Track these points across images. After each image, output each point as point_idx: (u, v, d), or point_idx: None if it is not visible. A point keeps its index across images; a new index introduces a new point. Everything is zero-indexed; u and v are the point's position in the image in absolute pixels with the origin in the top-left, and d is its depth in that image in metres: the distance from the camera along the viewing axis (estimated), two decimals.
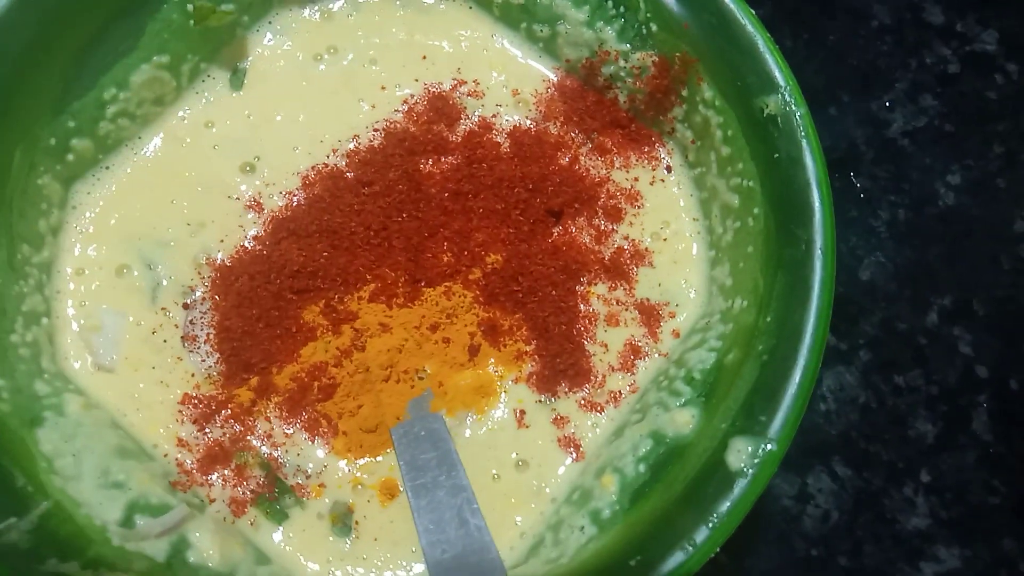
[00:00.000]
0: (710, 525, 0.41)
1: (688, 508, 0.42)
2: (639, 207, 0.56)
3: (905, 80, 0.74)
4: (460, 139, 0.56)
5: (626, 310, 0.53)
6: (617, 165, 0.57)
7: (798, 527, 0.60)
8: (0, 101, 0.48)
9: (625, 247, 0.55)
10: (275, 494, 0.48)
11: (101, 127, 0.53)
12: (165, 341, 0.51)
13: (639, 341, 0.53)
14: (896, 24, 0.76)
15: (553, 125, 0.58)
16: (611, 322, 0.53)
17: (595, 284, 0.54)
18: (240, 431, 0.49)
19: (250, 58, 0.58)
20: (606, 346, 0.53)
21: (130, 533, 0.42)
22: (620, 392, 0.51)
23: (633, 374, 0.52)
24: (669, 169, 0.56)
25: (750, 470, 0.42)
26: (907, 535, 0.60)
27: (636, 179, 0.57)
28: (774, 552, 0.60)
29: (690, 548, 0.40)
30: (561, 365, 0.51)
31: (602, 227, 0.55)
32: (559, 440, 0.50)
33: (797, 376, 0.43)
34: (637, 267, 0.54)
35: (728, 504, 0.41)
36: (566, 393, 0.51)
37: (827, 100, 0.73)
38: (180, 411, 0.49)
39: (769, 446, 0.42)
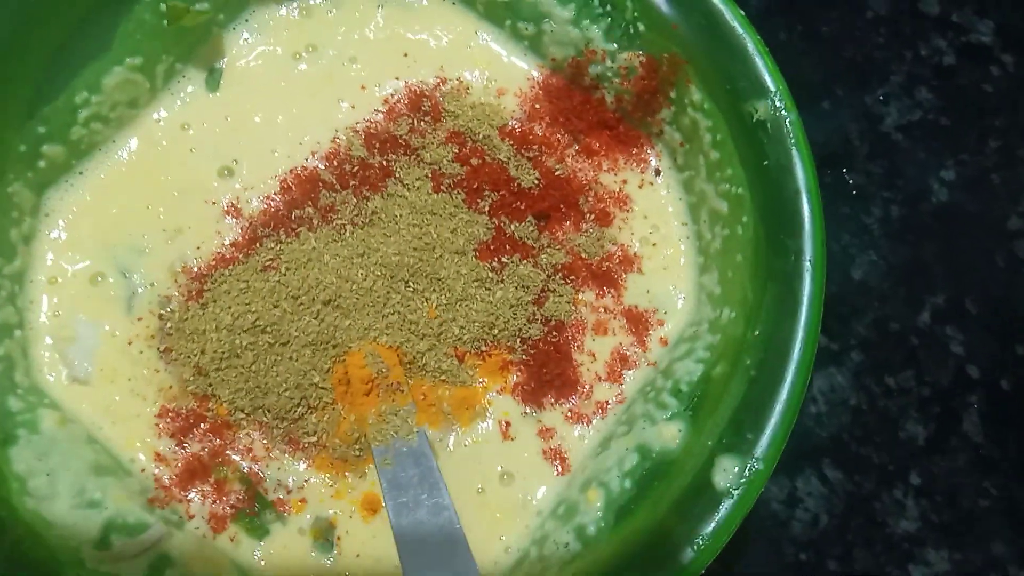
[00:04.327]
0: (695, 547, 0.40)
1: (674, 528, 0.41)
2: (628, 211, 0.55)
3: (900, 73, 0.72)
4: (444, 138, 0.55)
5: (614, 318, 0.52)
6: (605, 168, 0.56)
7: (787, 532, 0.60)
8: None
9: (614, 252, 0.54)
10: (255, 509, 0.47)
11: (73, 132, 0.51)
12: (141, 352, 0.50)
13: (627, 350, 0.52)
14: (892, 15, 0.74)
15: (539, 125, 0.56)
16: (599, 331, 0.52)
17: (583, 291, 0.53)
18: (219, 445, 0.48)
19: (226, 58, 0.56)
20: (594, 355, 0.52)
21: (105, 555, 0.42)
22: (607, 402, 0.51)
23: (620, 384, 0.51)
24: (658, 172, 0.55)
25: (736, 490, 0.41)
26: (897, 539, 0.60)
27: (624, 182, 0.55)
28: (763, 557, 0.59)
29: (675, 570, 0.40)
30: (547, 376, 0.50)
31: (590, 232, 0.54)
32: (544, 452, 0.50)
33: (784, 393, 0.42)
34: (626, 273, 0.53)
35: (714, 525, 0.41)
36: (552, 404, 0.50)
37: (821, 94, 0.71)
38: (158, 424, 0.48)
39: (756, 465, 0.41)
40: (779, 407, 0.42)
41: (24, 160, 0.50)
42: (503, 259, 0.52)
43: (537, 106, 0.56)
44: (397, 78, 0.57)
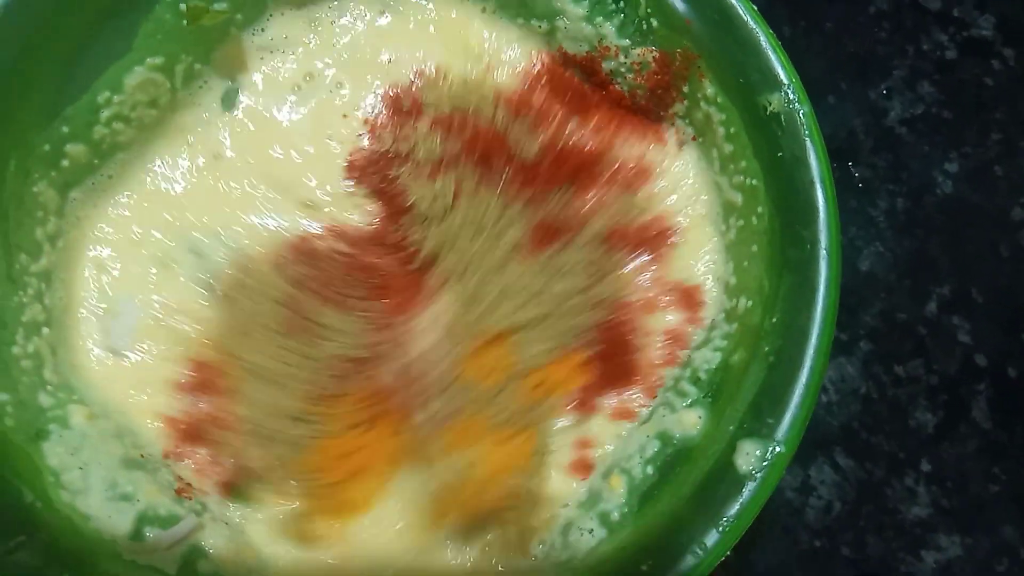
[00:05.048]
0: (720, 529, 0.41)
1: (697, 511, 0.42)
2: (651, 182, 0.55)
3: (903, 67, 0.74)
4: (427, 128, 0.54)
5: (663, 294, 0.52)
6: (622, 140, 0.56)
7: (802, 519, 0.61)
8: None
9: (650, 222, 0.54)
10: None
11: (96, 131, 0.52)
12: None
13: (681, 327, 0.52)
14: (894, 9, 0.75)
15: (537, 94, 0.56)
16: (649, 309, 0.52)
17: (627, 264, 0.53)
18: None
19: (242, 80, 0.56)
20: (649, 334, 0.52)
21: (140, 546, 0.42)
22: (653, 389, 0.51)
23: (674, 365, 0.51)
24: (681, 144, 0.55)
25: (759, 473, 0.42)
26: (909, 525, 0.61)
27: (642, 156, 0.55)
28: (778, 545, 0.60)
29: (700, 552, 0.41)
30: (612, 369, 0.50)
31: (619, 198, 0.54)
32: (568, 467, 0.50)
33: (804, 378, 0.43)
34: (667, 243, 0.53)
35: (738, 507, 0.41)
36: (607, 404, 0.50)
37: (826, 89, 0.72)
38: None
39: (778, 448, 0.42)
40: (799, 391, 0.43)
41: (48, 160, 0.50)
42: (550, 249, 0.52)
43: (538, 79, 0.56)
44: (374, 92, 0.56)
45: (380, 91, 0.56)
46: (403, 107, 0.56)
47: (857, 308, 0.66)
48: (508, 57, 0.57)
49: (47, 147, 0.50)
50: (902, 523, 0.61)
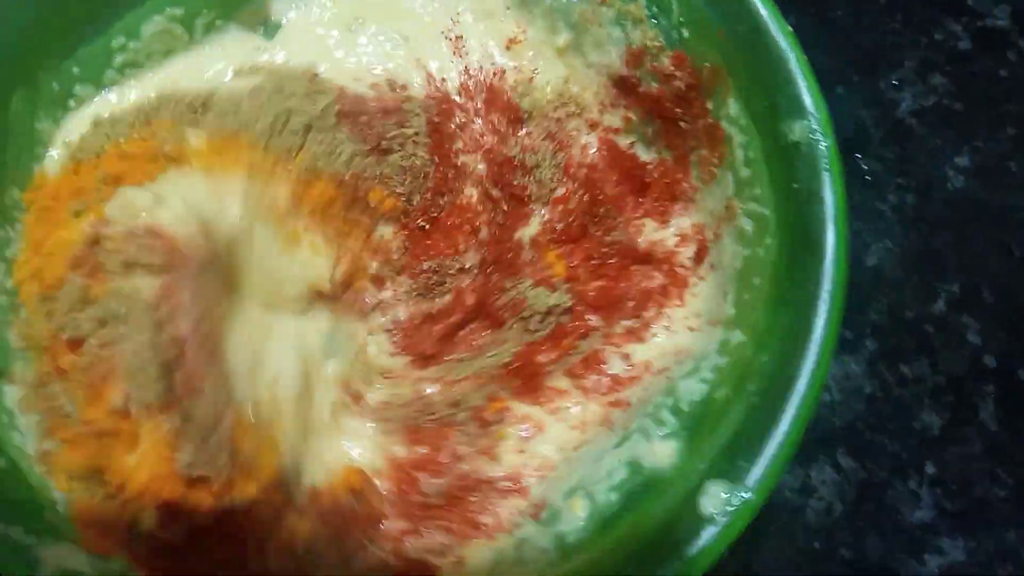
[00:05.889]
0: (671, 571, 0.39)
1: (655, 548, 0.40)
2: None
3: (914, 58, 0.72)
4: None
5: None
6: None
7: (801, 519, 0.59)
8: (6, 42, 0.48)
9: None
10: None
11: (107, 76, 0.52)
12: None
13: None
14: None
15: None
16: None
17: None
18: None
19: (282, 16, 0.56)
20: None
21: None
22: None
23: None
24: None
25: (722, 518, 0.40)
26: (911, 527, 0.59)
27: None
28: (776, 545, 0.59)
29: None
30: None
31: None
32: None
33: (785, 425, 0.41)
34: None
35: (693, 551, 0.39)
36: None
37: (835, 80, 0.70)
38: None
39: (745, 495, 0.40)
40: (777, 438, 0.40)
41: (55, 99, 0.51)
42: None
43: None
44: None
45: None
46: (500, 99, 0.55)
47: (863, 305, 0.64)
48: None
49: (56, 85, 0.51)
50: (904, 525, 0.59)
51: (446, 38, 0.56)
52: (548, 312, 0.51)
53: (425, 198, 0.53)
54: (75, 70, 0.51)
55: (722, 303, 0.49)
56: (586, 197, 0.53)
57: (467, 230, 0.53)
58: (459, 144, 0.54)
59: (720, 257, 0.51)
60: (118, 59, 0.52)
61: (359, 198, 0.52)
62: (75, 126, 0.52)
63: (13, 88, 0.49)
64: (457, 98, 0.55)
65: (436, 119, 0.54)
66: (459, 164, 0.54)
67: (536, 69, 0.56)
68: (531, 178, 0.54)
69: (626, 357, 0.51)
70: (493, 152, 0.54)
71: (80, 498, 0.42)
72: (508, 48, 0.56)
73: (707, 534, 0.40)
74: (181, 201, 0.44)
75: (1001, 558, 0.59)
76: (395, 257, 0.52)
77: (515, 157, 0.54)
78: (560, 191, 0.53)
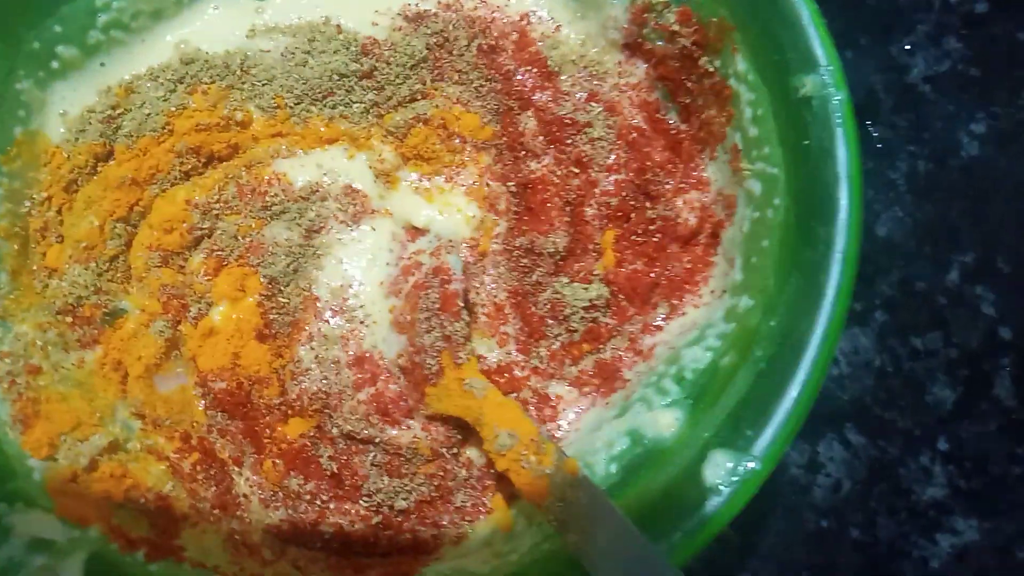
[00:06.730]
0: (672, 543, 0.37)
1: (654, 521, 0.38)
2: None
3: (928, 21, 0.69)
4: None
5: None
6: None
7: (808, 498, 0.57)
8: None
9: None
10: None
11: (91, 36, 0.50)
12: None
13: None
14: None
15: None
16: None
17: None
18: None
19: None
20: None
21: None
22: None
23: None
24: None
25: (726, 488, 0.38)
26: (923, 506, 0.57)
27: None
28: (782, 524, 0.57)
29: None
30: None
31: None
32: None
33: (794, 391, 0.39)
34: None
35: (695, 522, 0.37)
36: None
37: (844, 44, 0.67)
38: None
39: (751, 464, 0.38)
40: (787, 405, 0.39)
41: (36, 58, 0.49)
42: None
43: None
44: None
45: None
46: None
47: (873, 276, 0.62)
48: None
49: (36, 45, 0.49)
50: (916, 504, 0.57)
51: None
52: (590, 307, 0.49)
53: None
54: (57, 29, 0.49)
55: (728, 270, 0.47)
56: (635, 165, 0.51)
57: (557, 203, 0.51)
58: (511, 64, 0.53)
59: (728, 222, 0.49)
60: (102, 19, 0.50)
61: (451, 133, 0.51)
62: (72, 97, 0.50)
63: None
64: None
65: (481, 41, 0.53)
66: (516, 81, 0.53)
67: (559, 24, 0.54)
68: (584, 137, 0.52)
69: (633, 341, 0.49)
70: (545, 110, 0.52)
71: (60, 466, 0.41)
72: None
73: (711, 504, 0.38)
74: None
75: (1019, 538, 0.56)
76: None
77: (565, 116, 0.52)
78: (611, 158, 0.51)
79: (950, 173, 0.65)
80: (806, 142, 0.43)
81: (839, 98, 0.43)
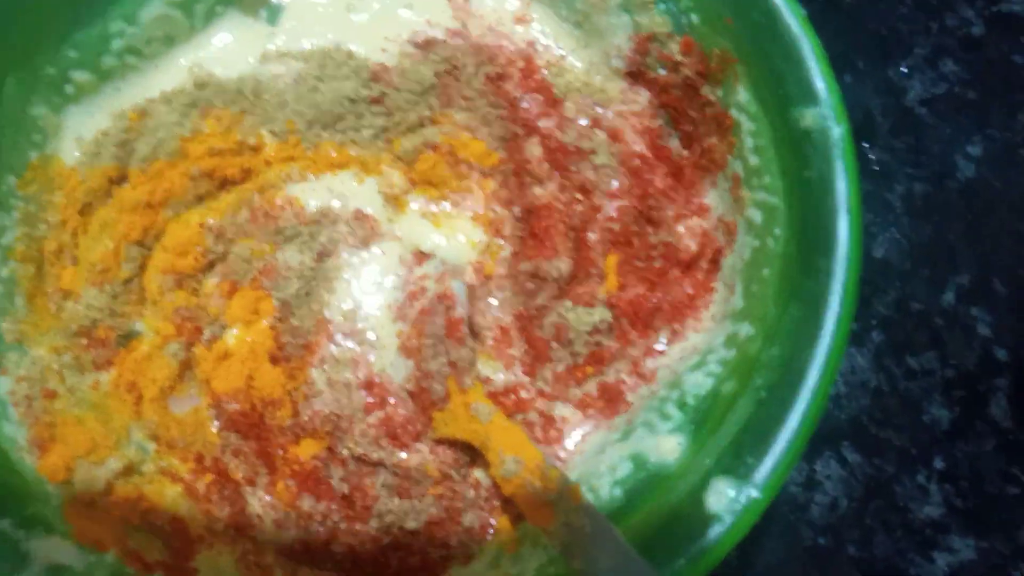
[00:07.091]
0: (674, 569, 0.38)
1: (657, 547, 0.39)
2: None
3: (925, 45, 0.70)
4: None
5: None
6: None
7: (805, 515, 0.58)
8: (1, 23, 0.47)
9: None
10: None
11: (104, 61, 0.51)
12: None
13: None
14: None
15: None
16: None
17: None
18: None
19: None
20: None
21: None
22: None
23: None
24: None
25: (728, 516, 0.39)
26: (920, 524, 0.58)
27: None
28: (779, 542, 0.58)
29: None
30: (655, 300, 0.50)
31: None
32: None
33: (794, 421, 0.40)
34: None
35: (698, 550, 0.38)
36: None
37: (842, 67, 0.69)
38: None
39: (752, 493, 0.39)
40: (786, 435, 0.39)
41: (51, 84, 0.50)
42: None
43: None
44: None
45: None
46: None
47: (870, 297, 0.63)
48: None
49: (51, 70, 0.50)
50: (912, 523, 0.58)
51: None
52: (593, 331, 0.50)
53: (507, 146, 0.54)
54: (71, 54, 0.50)
55: (729, 296, 0.48)
56: (637, 191, 0.52)
57: (560, 229, 0.52)
58: (517, 92, 0.54)
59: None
60: (116, 44, 0.51)
61: (459, 159, 0.53)
62: (86, 121, 0.51)
63: (7, 72, 0.48)
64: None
65: (488, 69, 0.54)
66: (522, 108, 0.54)
67: (564, 53, 0.55)
68: (588, 163, 0.53)
69: (635, 365, 0.50)
70: (550, 137, 0.53)
71: (77, 490, 0.42)
72: (518, 23, 0.56)
73: (714, 532, 0.39)
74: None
75: (1014, 557, 0.57)
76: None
77: (569, 143, 0.53)
78: (614, 184, 0.52)
79: (947, 195, 0.66)
80: (807, 173, 0.44)
81: (839, 131, 0.44)
